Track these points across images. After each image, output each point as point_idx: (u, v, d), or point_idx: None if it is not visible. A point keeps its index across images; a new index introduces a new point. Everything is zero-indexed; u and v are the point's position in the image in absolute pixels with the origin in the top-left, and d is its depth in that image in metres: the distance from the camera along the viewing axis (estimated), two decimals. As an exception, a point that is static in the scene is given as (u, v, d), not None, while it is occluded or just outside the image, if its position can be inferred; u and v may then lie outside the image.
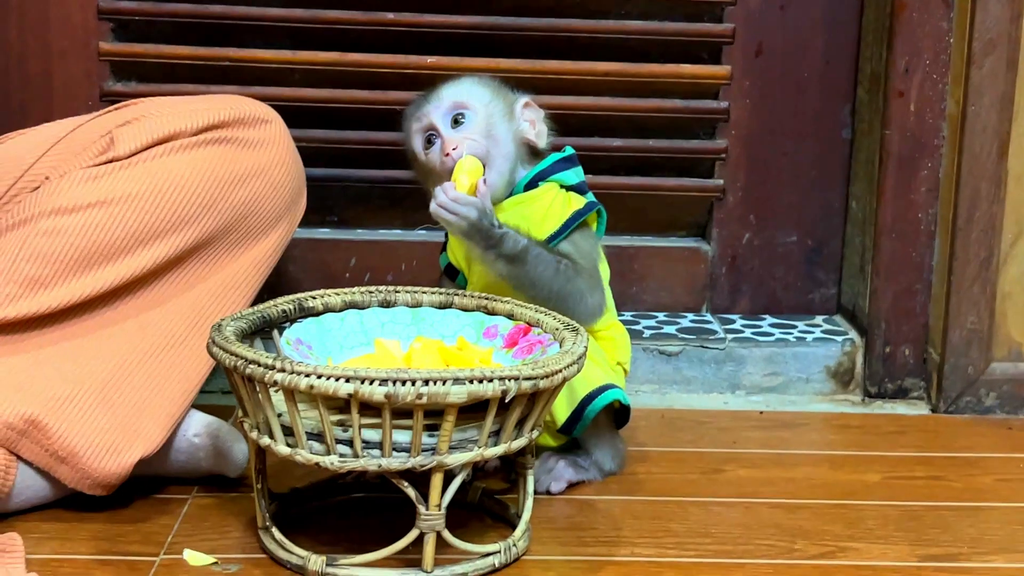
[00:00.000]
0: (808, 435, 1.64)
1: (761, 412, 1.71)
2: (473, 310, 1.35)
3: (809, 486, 1.46)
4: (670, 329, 1.79)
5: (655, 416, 1.67)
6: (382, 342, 1.31)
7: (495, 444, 1.18)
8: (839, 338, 1.79)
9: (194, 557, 1.22)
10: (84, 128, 1.40)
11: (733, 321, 1.84)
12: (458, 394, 1.11)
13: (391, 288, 1.37)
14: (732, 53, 1.80)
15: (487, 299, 1.35)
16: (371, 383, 1.10)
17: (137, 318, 1.35)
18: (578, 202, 1.42)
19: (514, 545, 1.23)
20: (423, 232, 1.75)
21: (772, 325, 1.83)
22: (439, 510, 1.17)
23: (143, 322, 1.35)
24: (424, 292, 1.37)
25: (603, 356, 1.44)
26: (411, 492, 1.16)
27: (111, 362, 1.32)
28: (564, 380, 1.19)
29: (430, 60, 1.75)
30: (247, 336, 1.25)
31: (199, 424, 1.36)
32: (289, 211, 1.45)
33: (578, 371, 1.21)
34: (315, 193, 1.54)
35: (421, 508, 1.16)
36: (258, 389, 1.16)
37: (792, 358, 1.77)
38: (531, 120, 1.44)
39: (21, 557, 1.18)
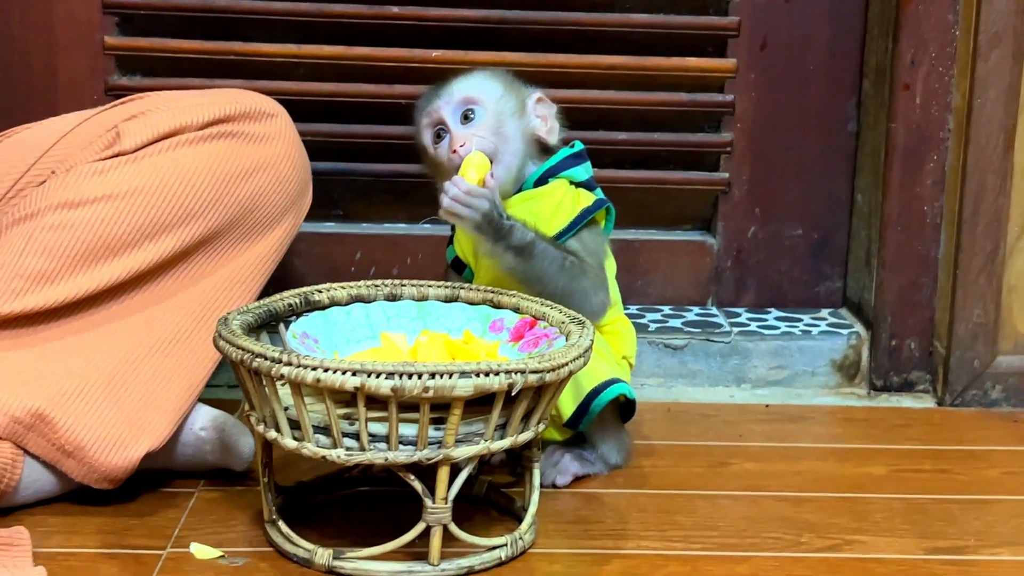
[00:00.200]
0: (814, 428, 1.64)
1: (767, 405, 1.71)
2: (479, 303, 1.35)
3: (815, 479, 1.46)
4: (675, 323, 1.79)
5: (661, 410, 1.67)
6: (388, 336, 1.31)
7: (501, 437, 1.18)
8: (845, 331, 1.79)
9: (201, 550, 1.22)
10: (90, 123, 1.40)
11: (738, 314, 1.84)
12: (464, 387, 1.11)
13: (397, 282, 1.37)
14: (737, 46, 1.80)
15: (493, 293, 1.35)
16: (378, 376, 1.10)
17: (143, 312, 1.35)
18: (587, 199, 1.42)
19: (520, 538, 1.24)
20: (428, 226, 1.76)
21: (777, 318, 1.83)
22: (445, 503, 1.17)
23: (149, 316, 1.35)
24: (430, 286, 1.37)
25: (609, 350, 1.44)
26: (417, 485, 1.16)
27: (117, 356, 1.32)
28: (570, 373, 1.19)
29: (435, 54, 1.75)
30: (253, 330, 1.25)
31: (205, 418, 1.36)
32: (295, 205, 1.45)
33: (584, 364, 1.21)
34: (320, 187, 1.54)
35: (427, 501, 1.16)
36: (265, 383, 1.16)
37: (798, 351, 1.77)
38: (543, 116, 1.44)
39: (28, 551, 1.18)
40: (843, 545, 1.29)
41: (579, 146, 1.45)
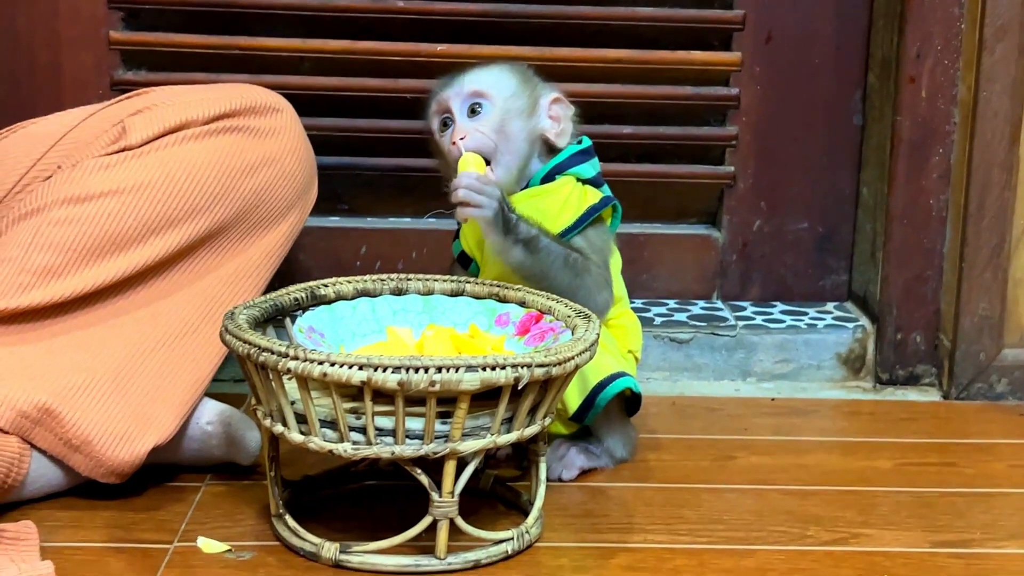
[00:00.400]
0: (820, 422, 1.64)
1: (772, 399, 1.71)
2: (485, 298, 1.35)
3: (821, 473, 1.46)
4: (681, 316, 1.79)
5: (666, 403, 1.67)
6: (394, 330, 1.31)
7: (508, 431, 1.18)
8: (850, 325, 1.79)
9: (208, 545, 1.22)
10: (95, 117, 1.40)
11: (744, 308, 1.84)
12: (471, 381, 1.11)
13: (403, 276, 1.37)
14: (742, 40, 1.80)
15: (499, 287, 1.35)
16: (384, 370, 1.10)
17: (149, 307, 1.35)
18: (594, 196, 1.42)
19: (527, 532, 1.24)
20: (434, 220, 1.75)
21: (783, 312, 1.83)
22: (452, 497, 1.17)
23: (155, 311, 1.35)
24: (436, 280, 1.37)
25: (614, 344, 1.44)
26: (424, 479, 1.16)
27: (124, 351, 1.32)
28: (576, 367, 1.19)
29: (440, 48, 1.75)
30: (259, 324, 1.25)
31: (212, 412, 1.36)
32: (300, 199, 1.45)
33: (590, 358, 1.21)
34: (326, 181, 1.54)
35: (434, 495, 1.17)
36: (271, 377, 1.16)
37: (803, 345, 1.77)
38: (556, 117, 1.42)
39: (36, 545, 1.18)
40: (849, 538, 1.29)
41: (587, 142, 1.45)
